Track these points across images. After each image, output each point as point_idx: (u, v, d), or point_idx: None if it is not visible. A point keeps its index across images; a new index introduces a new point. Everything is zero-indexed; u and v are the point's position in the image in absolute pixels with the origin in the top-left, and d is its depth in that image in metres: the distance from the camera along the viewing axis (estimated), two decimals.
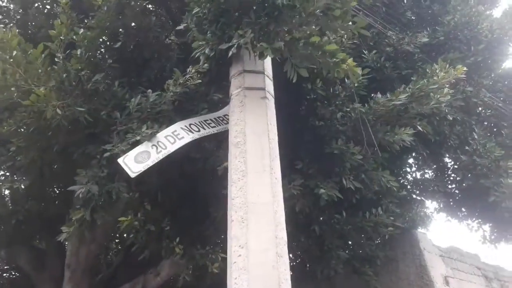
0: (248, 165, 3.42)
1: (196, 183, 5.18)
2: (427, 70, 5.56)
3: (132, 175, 3.54)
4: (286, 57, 3.78)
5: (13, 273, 9.37)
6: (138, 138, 3.82)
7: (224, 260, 4.55)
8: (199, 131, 4.13)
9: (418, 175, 9.65)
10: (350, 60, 3.88)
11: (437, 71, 5.29)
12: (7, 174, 5.87)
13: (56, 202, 6.67)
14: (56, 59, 4.09)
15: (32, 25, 5.64)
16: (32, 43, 4.03)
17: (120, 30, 5.10)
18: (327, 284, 7.37)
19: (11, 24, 5.48)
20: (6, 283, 9.34)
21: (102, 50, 5.16)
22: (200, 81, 4.37)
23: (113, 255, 9.61)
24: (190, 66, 4.38)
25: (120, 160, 3.63)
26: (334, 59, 3.79)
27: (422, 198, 9.70)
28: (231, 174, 3.44)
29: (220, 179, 4.53)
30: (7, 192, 7.21)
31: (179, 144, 3.87)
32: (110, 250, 9.67)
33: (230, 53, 3.84)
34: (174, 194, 5.20)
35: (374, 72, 6.23)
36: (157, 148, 3.77)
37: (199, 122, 4.24)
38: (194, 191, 5.26)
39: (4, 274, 9.54)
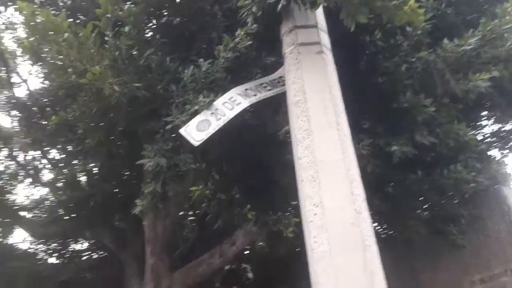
0: (312, 123, 3.24)
1: (258, 150, 5.11)
2: (497, 11, 4.92)
3: (195, 143, 3.53)
4: (340, 6, 3.50)
5: (101, 252, 10.17)
6: (196, 107, 3.79)
7: (298, 224, 4.48)
8: (255, 95, 4.00)
9: (495, 128, 8.85)
10: (412, 2, 3.55)
11: (509, 9, 4.69)
12: (79, 159, 6.21)
13: (129, 182, 7.00)
14: (106, 38, 4.15)
15: (80, 11, 5.78)
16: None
17: (165, 4, 5.06)
18: (406, 246, 7.07)
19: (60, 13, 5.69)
20: (96, 262, 10.18)
21: (150, 26, 5.18)
22: (251, 42, 4.22)
23: (188, 232, 10.02)
24: (238, 29, 4.23)
25: (182, 131, 3.64)
26: (394, 2, 3.47)
27: (502, 153, 8.89)
28: (295, 134, 3.28)
29: (282, 145, 4.41)
30: (83, 178, 7.78)
31: (237, 109, 3.78)
32: (185, 227, 10.10)
33: (280, 6, 3.62)
34: (238, 162, 5.18)
35: (435, 19, 5.65)
36: (216, 115, 3.72)
37: (254, 86, 4.11)
38: (258, 158, 5.20)
39: (93, 254, 10.40)
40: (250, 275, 11.23)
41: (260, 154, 5.16)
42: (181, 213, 10.47)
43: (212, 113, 3.75)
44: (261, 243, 5.28)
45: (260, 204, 4.99)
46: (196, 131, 3.60)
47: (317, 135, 3.18)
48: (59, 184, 7.57)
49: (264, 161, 5.24)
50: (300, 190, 3.01)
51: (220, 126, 3.64)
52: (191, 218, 9.82)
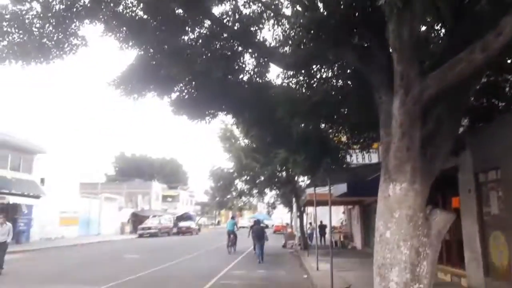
0: None
1: None
2: None
3: None
4: None
5: (346, 76, 10.55)
6: None
7: None
8: None
9: None
10: None
11: None
12: None
13: None
14: None
15: None
16: None
17: None
18: None
19: None
20: (343, 85, 10.76)
21: None
22: None
23: (436, 45, 9.02)
24: None
25: None
26: None
27: None
28: None
29: None
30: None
31: None
32: (433, 38, 9.08)
33: None
34: None
35: None
36: None
37: None
38: None
39: (339, 79, 11.00)
40: None
41: None
42: (425, 27, 9.47)
43: None
44: None
45: None
46: None
47: None
48: (298, 10, 7.83)
49: None
50: None
51: None
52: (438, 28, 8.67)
